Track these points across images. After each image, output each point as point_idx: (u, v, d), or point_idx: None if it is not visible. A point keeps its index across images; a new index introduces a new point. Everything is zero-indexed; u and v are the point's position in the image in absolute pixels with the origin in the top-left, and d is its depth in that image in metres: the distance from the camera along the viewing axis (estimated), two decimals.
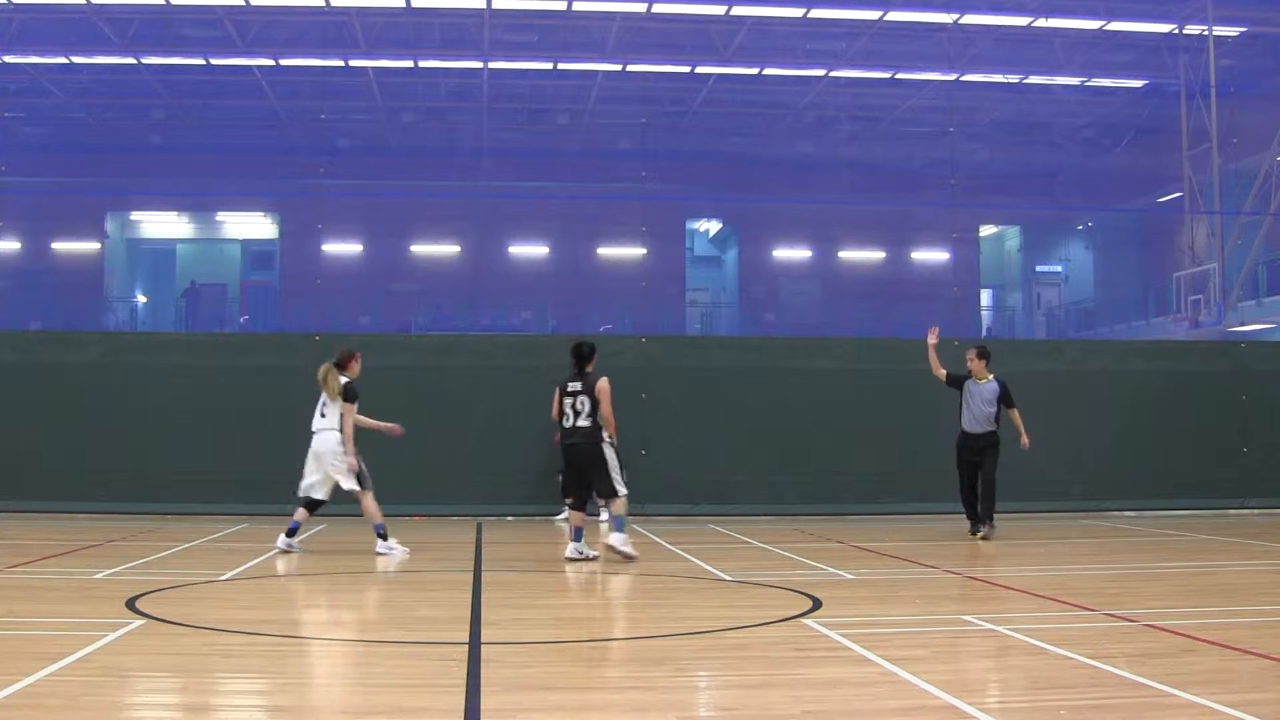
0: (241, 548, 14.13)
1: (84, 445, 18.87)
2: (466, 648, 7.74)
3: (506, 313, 36.26)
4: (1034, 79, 33.97)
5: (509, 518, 18.99)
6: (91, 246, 38.03)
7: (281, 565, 12.80)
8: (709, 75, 33.66)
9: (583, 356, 13.28)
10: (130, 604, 9.28)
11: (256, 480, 18.54)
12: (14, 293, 34.69)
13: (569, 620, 9.93)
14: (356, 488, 13.73)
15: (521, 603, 10.28)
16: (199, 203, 39.48)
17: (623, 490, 12.96)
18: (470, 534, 16.48)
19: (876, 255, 41.11)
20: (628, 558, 12.67)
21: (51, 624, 8.63)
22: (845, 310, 35.99)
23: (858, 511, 19.68)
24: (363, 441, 13.95)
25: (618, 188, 36.29)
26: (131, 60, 31.61)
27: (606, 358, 20.66)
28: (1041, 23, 30.36)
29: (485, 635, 8.28)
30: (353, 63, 32.28)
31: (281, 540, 13.70)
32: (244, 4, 28.84)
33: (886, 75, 33.78)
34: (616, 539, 12.83)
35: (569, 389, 13.11)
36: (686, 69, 33.45)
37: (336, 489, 13.82)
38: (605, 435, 13.01)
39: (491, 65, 32.59)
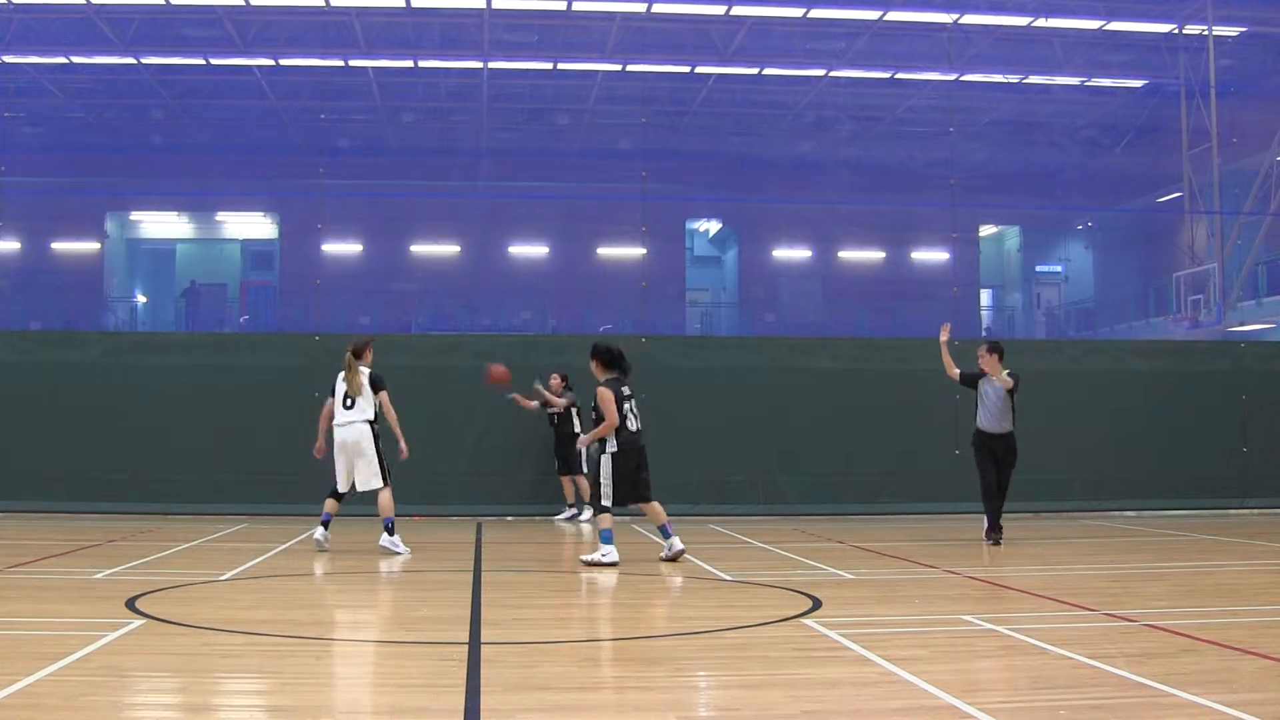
0: (242, 547, 14.13)
1: (83, 445, 18.87)
2: (466, 648, 7.74)
3: (507, 313, 36.24)
4: (1034, 79, 33.95)
5: (509, 518, 19.01)
6: (91, 246, 38.00)
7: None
8: (709, 75, 33.65)
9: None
10: (130, 604, 9.28)
11: (256, 480, 18.58)
12: (13, 293, 34.70)
13: (568, 620, 9.93)
14: (380, 485, 13.81)
15: (521, 603, 10.28)
16: (199, 202, 39.45)
17: (607, 502, 12.85)
18: (470, 534, 16.48)
19: (876, 255, 41.10)
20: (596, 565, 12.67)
21: (51, 624, 8.63)
22: (845, 310, 35.98)
23: (858, 511, 19.68)
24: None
25: (617, 188, 36.30)
26: (131, 60, 31.59)
27: None
28: (1041, 23, 30.33)
29: (485, 635, 8.28)
30: (352, 63, 32.26)
31: (319, 532, 13.87)
32: (244, 4, 28.82)
33: (886, 75, 33.76)
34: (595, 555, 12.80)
35: (626, 394, 13.10)
36: (686, 69, 33.43)
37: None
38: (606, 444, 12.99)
39: (491, 65, 32.58)
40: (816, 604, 9.56)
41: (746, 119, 36.63)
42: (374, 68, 32.70)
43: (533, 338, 27.00)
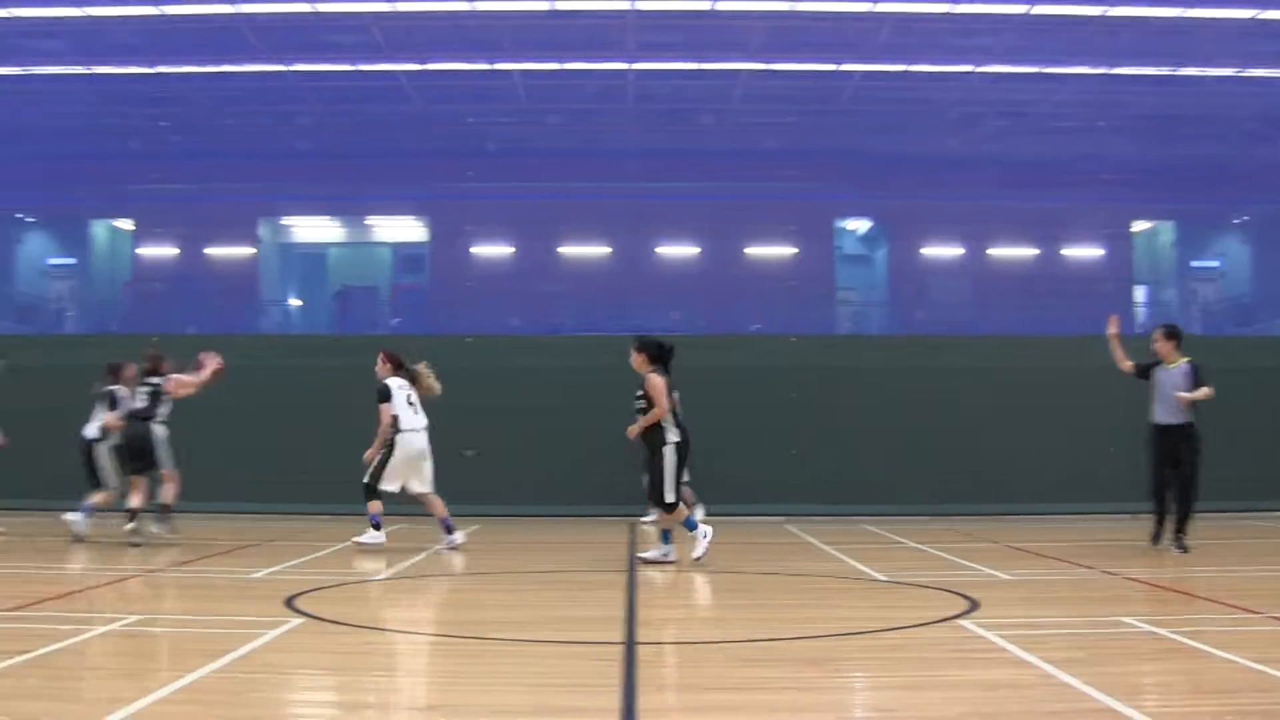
0: (397, 548, 14.25)
1: (244, 445, 19.31)
2: (622, 647, 7.72)
3: (656, 313, 36.22)
4: (1184, 70, 33.16)
5: (645, 517, 18.88)
6: (245, 251, 38.73)
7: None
8: (854, 72, 33.35)
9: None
10: (289, 602, 9.40)
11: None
12: (171, 298, 35.51)
13: (723, 620, 9.87)
14: (430, 490, 14.32)
15: (673, 603, 10.24)
16: (349, 206, 40.02)
17: (670, 498, 12.56)
18: (623, 534, 16.52)
19: (1028, 252, 40.46)
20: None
21: (214, 621, 8.76)
22: (997, 308, 35.44)
23: (1021, 512, 19.35)
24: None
25: (764, 187, 36.21)
26: (280, 67, 32.14)
27: (758, 356, 20.70)
28: (1192, 13, 29.61)
29: (640, 635, 8.26)
30: (498, 66, 32.50)
31: (457, 537, 14.20)
32: (389, 9, 29.16)
33: (1034, 70, 33.20)
34: (654, 552, 12.70)
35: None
36: (831, 67, 33.18)
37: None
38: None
39: (635, 66, 32.63)
40: (974, 605, 9.39)
41: (893, 116, 36.23)
42: (519, 70, 32.90)
43: (683, 338, 26.93)
